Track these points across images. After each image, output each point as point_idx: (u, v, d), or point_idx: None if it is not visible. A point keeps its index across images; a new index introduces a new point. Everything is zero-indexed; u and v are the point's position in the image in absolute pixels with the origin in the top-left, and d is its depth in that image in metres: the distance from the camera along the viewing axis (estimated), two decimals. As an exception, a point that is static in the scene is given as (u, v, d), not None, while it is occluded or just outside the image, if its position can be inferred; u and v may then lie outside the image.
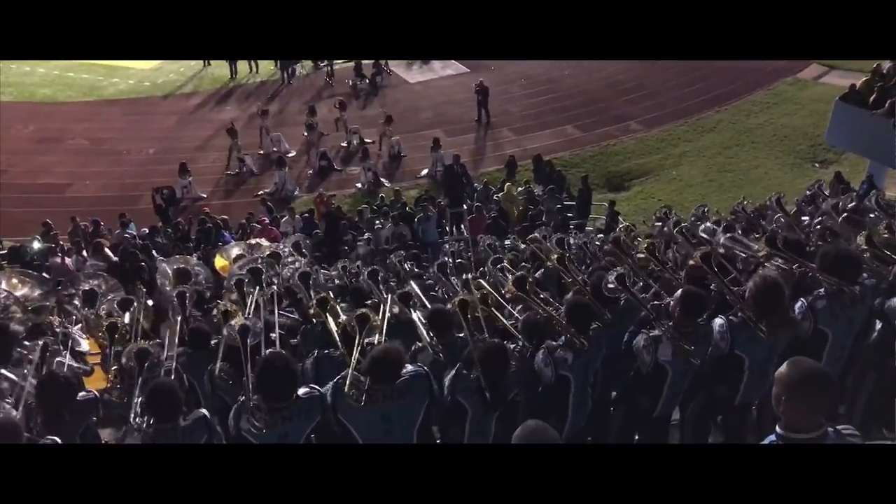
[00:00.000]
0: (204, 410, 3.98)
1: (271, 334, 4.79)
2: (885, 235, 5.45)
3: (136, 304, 5.66)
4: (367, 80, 22.95)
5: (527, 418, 3.53)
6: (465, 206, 14.81)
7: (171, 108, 22.80)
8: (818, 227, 6.53)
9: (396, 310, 5.09)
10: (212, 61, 24.40)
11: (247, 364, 4.01)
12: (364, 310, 4.29)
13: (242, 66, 24.10)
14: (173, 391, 3.84)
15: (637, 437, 4.62)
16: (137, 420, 3.82)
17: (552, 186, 15.61)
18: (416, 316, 4.87)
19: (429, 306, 5.20)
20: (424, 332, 4.68)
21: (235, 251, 8.66)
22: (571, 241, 8.50)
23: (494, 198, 15.47)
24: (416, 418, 3.75)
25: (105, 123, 21.79)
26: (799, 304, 4.17)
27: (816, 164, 17.55)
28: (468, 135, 20.09)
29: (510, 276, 4.99)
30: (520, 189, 15.65)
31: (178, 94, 23.79)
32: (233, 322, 4.66)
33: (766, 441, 2.64)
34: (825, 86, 20.43)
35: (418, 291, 5.54)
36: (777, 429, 2.57)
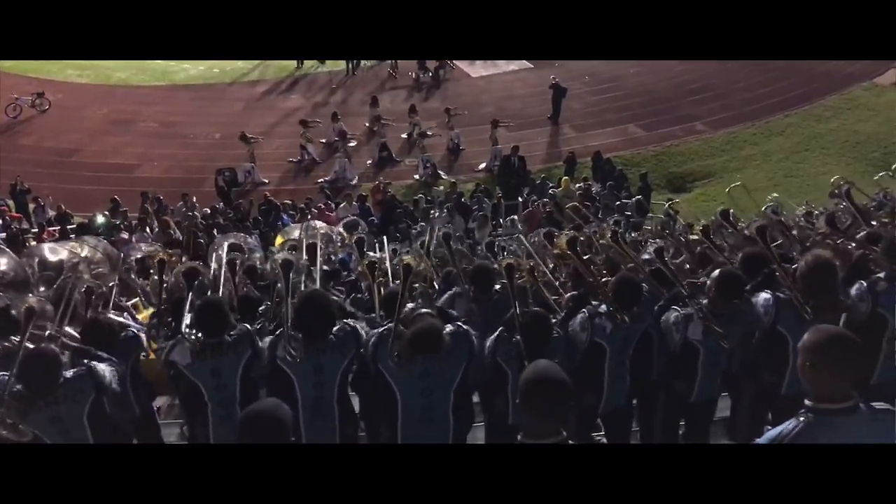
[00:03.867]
0: (247, 325, 4.13)
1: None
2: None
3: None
4: (430, 74, 23.12)
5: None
6: (520, 200, 14.73)
7: (237, 95, 23.39)
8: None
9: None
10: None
11: (287, 296, 4.10)
12: (408, 258, 4.32)
13: (309, 56, 24.48)
14: (221, 307, 4.03)
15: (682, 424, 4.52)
16: (187, 331, 3.96)
17: (611, 183, 15.41)
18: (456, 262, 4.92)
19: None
20: (464, 282, 4.72)
21: (297, 233, 8.84)
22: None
23: (550, 192, 15.34)
24: (455, 378, 3.75)
25: (175, 107, 22.49)
26: (857, 286, 4.05)
27: (889, 173, 16.80)
28: (528, 130, 19.97)
29: (564, 236, 4.93)
30: (578, 185, 15.49)
31: (244, 81, 24.37)
32: (276, 257, 4.77)
33: (791, 421, 2.53)
34: (903, 91, 19.64)
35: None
36: (806, 402, 2.49)
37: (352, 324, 3.99)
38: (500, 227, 14.27)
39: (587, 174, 17.04)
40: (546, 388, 2.45)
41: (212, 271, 5.55)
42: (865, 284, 4.03)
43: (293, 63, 24.64)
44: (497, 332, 3.99)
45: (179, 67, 25.18)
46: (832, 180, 6.45)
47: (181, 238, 12.47)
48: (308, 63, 24.73)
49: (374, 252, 8.23)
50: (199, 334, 3.93)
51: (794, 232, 5.33)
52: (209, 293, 4.89)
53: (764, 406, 4.34)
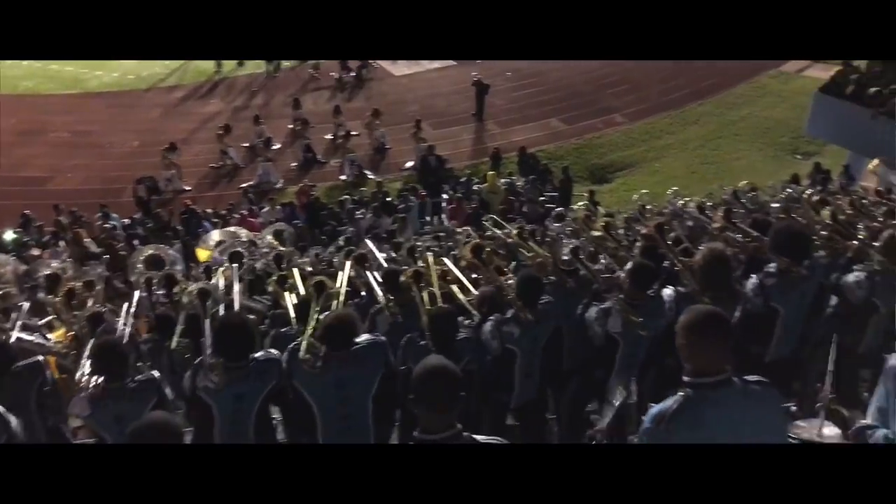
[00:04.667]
0: (155, 373, 3.99)
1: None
2: (849, 212, 5.52)
3: (99, 286, 5.63)
4: (353, 73, 22.96)
5: (475, 387, 3.54)
6: (444, 196, 14.82)
7: (155, 101, 22.66)
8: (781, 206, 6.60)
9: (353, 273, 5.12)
10: (197, 54, 24.29)
11: (204, 324, 4.02)
12: (321, 277, 4.30)
13: (227, 59, 23.90)
14: (117, 349, 3.85)
15: (589, 408, 4.65)
16: (86, 378, 3.78)
17: (534, 177, 15.64)
18: (371, 277, 4.90)
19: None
20: (380, 293, 4.70)
21: (216, 237, 8.64)
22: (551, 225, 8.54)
23: (475, 188, 15.48)
24: (371, 386, 3.75)
25: (88, 116, 21.64)
26: (751, 280, 4.20)
27: (798, 156, 17.66)
28: (453, 127, 20.10)
29: (468, 245, 5.01)
30: (502, 181, 15.67)
31: (161, 87, 23.63)
32: (191, 288, 4.65)
33: (672, 397, 2.64)
34: (808, 79, 20.48)
35: (375, 252, 5.56)
36: (684, 377, 2.62)
37: (275, 353, 3.93)
38: (427, 224, 14.37)
39: (512, 169, 17.27)
40: (435, 381, 2.44)
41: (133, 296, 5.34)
42: (758, 280, 4.18)
43: (211, 66, 24.08)
44: (406, 338, 4.02)
45: (92, 74, 24.23)
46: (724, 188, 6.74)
47: (97, 252, 12.07)
48: (227, 66, 24.21)
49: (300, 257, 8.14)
50: (100, 380, 3.75)
51: (690, 223, 5.53)
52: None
53: (665, 387, 4.50)
